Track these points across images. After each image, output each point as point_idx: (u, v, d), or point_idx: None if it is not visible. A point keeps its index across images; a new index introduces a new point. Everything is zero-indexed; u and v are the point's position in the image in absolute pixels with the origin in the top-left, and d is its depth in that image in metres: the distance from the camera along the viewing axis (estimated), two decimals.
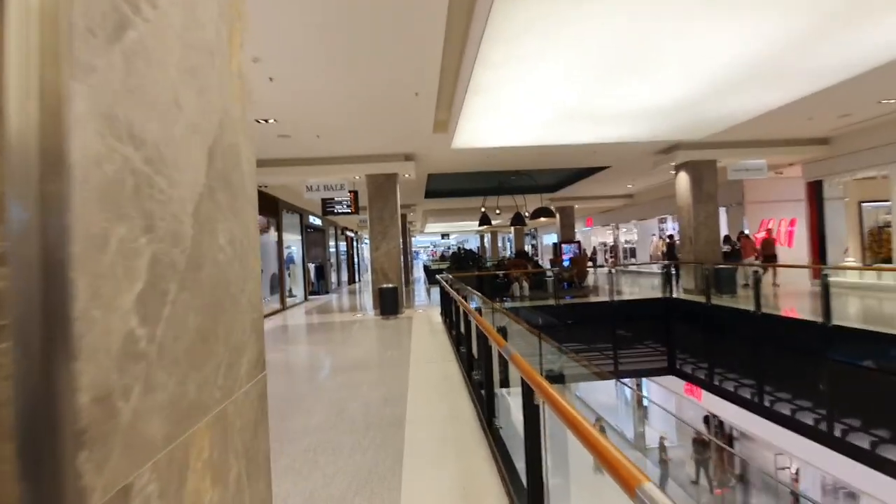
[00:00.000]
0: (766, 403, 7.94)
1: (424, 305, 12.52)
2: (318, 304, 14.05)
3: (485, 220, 16.74)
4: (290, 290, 14.13)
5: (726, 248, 13.96)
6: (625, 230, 24.73)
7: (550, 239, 42.32)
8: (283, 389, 4.79)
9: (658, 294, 10.96)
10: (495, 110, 7.36)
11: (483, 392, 3.57)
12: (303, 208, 14.88)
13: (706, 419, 11.08)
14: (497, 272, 12.34)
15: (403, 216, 17.52)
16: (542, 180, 16.44)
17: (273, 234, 12.37)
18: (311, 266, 17.18)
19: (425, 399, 4.26)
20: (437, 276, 10.03)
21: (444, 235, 46.60)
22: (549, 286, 13.85)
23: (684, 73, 6.33)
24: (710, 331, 9.82)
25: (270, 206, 11.98)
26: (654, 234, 20.91)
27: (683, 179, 11.10)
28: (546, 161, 11.79)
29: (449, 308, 8.06)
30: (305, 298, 14.93)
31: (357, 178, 10.50)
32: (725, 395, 9.19)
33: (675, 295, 10.49)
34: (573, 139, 8.55)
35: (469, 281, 9.81)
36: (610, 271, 10.71)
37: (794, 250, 13.93)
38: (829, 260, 11.55)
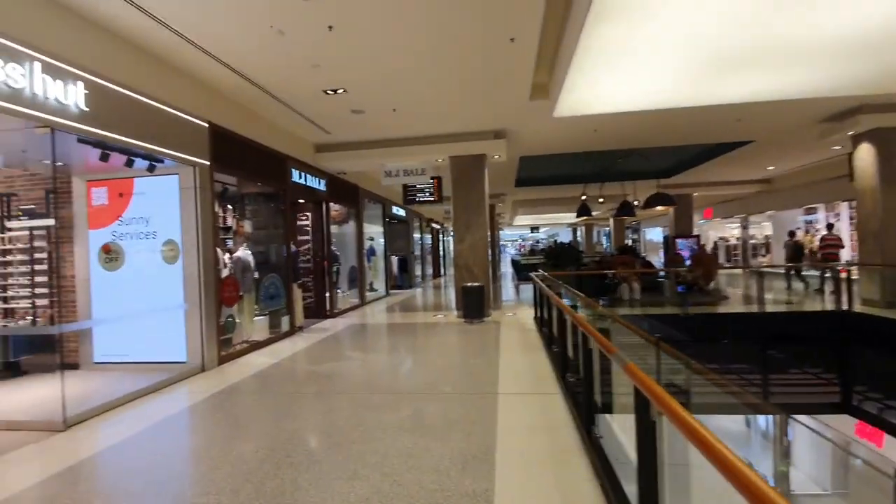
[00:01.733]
0: None
1: (513, 305, 11.05)
2: (399, 299, 13.22)
3: (584, 211, 14.75)
4: (371, 285, 13.47)
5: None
6: (756, 223, 20.82)
7: (654, 233, 38.23)
8: (323, 422, 3.68)
9: (823, 306, 8.37)
10: (612, 63, 5.59)
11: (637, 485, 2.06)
12: (385, 198, 14.14)
13: None
14: (605, 271, 10.41)
15: (491, 206, 16.12)
16: (655, 163, 13.99)
17: (352, 224, 11.69)
18: (394, 259, 16.51)
19: (522, 465, 2.85)
20: (532, 275, 8.50)
21: (534, 228, 44.29)
22: (664, 289, 11.59)
23: None
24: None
25: (350, 195, 11.28)
26: (798, 229, 17.15)
27: (866, 154, 8.27)
28: (667, 136, 9.59)
29: (546, 314, 6.52)
30: (387, 293, 14.23)
31: (440, 160, 9.29)
32: None
33: (853, 308, 7.82)
34: (715, 98, 6.45)
35: (568, 280, 8.15)
36: (759, 272, 8.33)
37: None
38: None
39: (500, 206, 19.77)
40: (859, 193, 8.51)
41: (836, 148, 11.65)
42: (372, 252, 13.81)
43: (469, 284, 8.43)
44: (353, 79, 5.97)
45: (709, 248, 20.76)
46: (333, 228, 11.10)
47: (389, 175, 9.41)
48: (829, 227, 14.14)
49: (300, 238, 9.67)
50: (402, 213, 16.25)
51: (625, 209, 13.28)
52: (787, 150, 11.55)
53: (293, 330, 7.88)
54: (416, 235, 19.26)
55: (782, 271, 13.39)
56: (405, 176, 9.39)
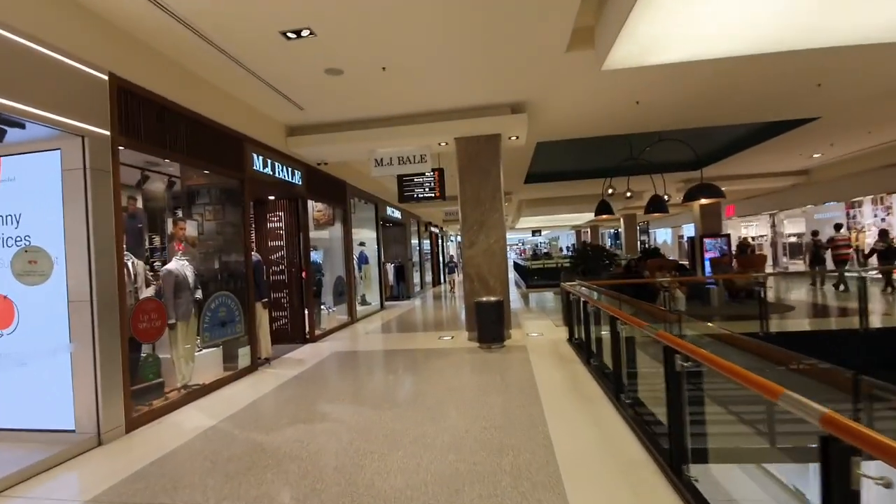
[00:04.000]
0: None
1: (532, 318, 9.19)
2: (396, 314, 11.33)
3: (605, 209, 12.91)
4: (363, 297, 11.60)
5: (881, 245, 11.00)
6: (788, 221, 19.09)
7: (664, 235, 36.51)
8: None
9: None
10: None
11: None
12: (378, 197, 12.31)
13: None
14: (656, 279, 8.56)
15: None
16: (684, 153, 12.19)
17: (339, 227, 9.83)
18: (390, 267, 14.67)
19: None
20: (566, 286, 6.63)
21: (536, 232, 42.55)
22: (712, 298, 9.77)
23: None
24: None
25: (335, 192, 9.44)
26: (839, 224, 15.37)
27: None
28: (720, 110, 7.80)
29: (591, 338, 4.68)
30: (382, 306, 12.35)
31: (443, 144, 7.46)
32: None
33: None
34: (820, 34, 4.63)
35: (608, 289, 6.30)
36: (860, 277, 6.47)
37: None
38: None
39: (506, 207, 17.95)
40: None
41: None
42: (363, 259, 11.95)
43: (484, 300, 6.56)
44: (321, 12, 4.14)
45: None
46: (315, 232, 9.24)
47: (380, 164, 7.57)
48: (838, 227, 13.19)
49: (271, 244, 7.80)
50: (397, 215, 14.42)
51: (656, 205, 11.44)
52: (852, 130, 9.77)
53: (256, 365, 6.00)
54: (414, 241, 17.43)
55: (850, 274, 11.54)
56: (400, 164, 7.54)
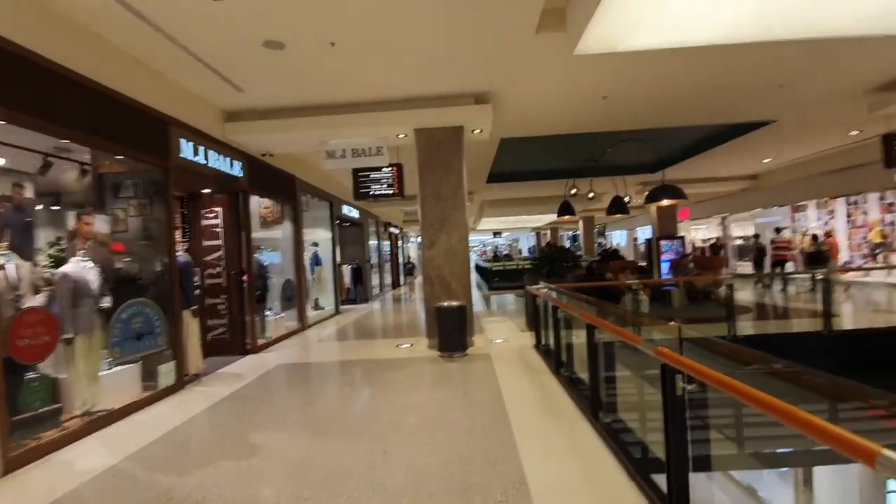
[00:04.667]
0: None
1: (495, 322, 8.77)
2: (352, 318, 10.62)
3: (567, 209, 12.75)
4: (316, 302, 10.81)
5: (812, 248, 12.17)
6: (735, 224, 19.82)
7: (619, 237, 37.42)
8: None
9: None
10: None
11: None
12: (333, 194, 11.54)
13: None
14: (621, 281, 8.31)
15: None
16: (642, 156, 12.23)
17: (289, 226, 9.04)
18: (346, 268, 13.90)
19: None
20: (531, 288, 6.22)
21: (497, 233, 42.61)
22: (673, 300, 9.71)
23: None
24: None
25: (283, 188, 8.65)
26: (785, 228, 16.03)
27: None
28: (686, 109, 7.67)
29: (561, 345, 4.27)
30: (337, 310, 11.58)
31: (402, 136, 6.88)
32: None
33: None
34: (797, 25, 4.43)
35: (575, 292, 5.96)
36: (824, 279, 6.44)
37: None
38: None
39: (468, 207, 17.57)
40: None
41: (854, 133, 10.29)
42: (317, 261, 11.16)
43: (445, 304, 6.04)
44: None
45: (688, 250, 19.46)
46: (262, 231, 8.43)
47: (332, 156, 6.90)
48: (778, 230, 14.22)
49: (207, 244, 6.94)
50: (355, 214, 13.67)
51: (617, 206, 11.35)
52: (806, 134, 10.01)
53: (182, 383, 5.19)
54: (373, 241, 16.71)
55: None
56: (354, 157, 6.90)
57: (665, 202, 9.61)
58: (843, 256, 14.02)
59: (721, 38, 4.46)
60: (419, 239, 6.78)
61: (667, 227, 16.58)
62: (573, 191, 10.73)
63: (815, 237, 12.96)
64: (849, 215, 14.08)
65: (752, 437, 3.88)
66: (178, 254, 5.35)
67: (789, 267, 13.43)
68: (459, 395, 4.36)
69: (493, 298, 15.00)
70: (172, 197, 5.29)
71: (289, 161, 8.63)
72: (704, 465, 3.16)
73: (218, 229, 6.94)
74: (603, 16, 3.98)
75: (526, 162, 12.71)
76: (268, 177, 7.92)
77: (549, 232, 36.15)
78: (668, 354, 2.01)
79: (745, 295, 12.37)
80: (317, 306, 10.78)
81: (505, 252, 42.35)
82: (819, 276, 11.31)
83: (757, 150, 11.62)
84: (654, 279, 8.94)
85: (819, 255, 11.94)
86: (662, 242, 16.23)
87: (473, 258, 39.72)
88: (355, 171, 7.80)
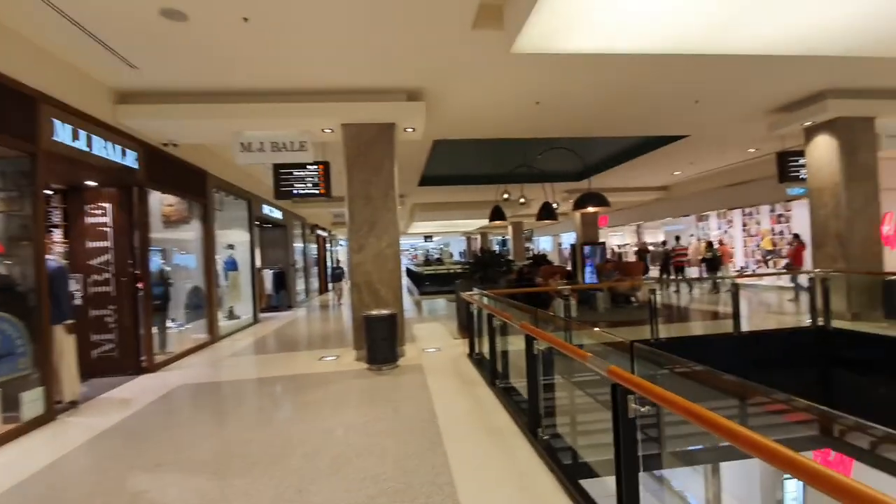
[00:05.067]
0: None
1: (426, 329, 8.46)
2: (273, 328, 9.79)
3: (498, 214, 12.82)
4: (231, 310, 9.83)
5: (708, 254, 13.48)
6: (651, 231, 21.30)
7: (545, 242, 38.94)
8: None
9: (791, 320, 7.30)
10: None
11: None
12: (252, 193, 10.62)
13: None
14: (552, 286, 8.35)
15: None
16: (568, 164, 12.68)
17: (198, 226, 8.09)
18: (268, 273, 12.89)
19: None
20: (467, 295, 5.99)
21: (428, 237, 42.51)
22: (598, 304, 10.03)
23: None
24: (880, 377, 6.25)
25: (191, 183, 7.72)
26: (692, 235, 17.47)
27: (824, 147, 7.41)
28: (614, 120, 7.92)
29: (496, 354, 4.07)
30: (255, 319, 10.63)
31: (328, 130, 6.37)
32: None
33: (829, 323, 6.73)
34: (727, 40, 4.61)
35: (509, 298, 5.83)
36: (733, 284, 6.86)
37: None
38: None
39: (400, 210, 17.16)
40: (814, 192, 7.63)
41: (752, 150, 11.36)
42: (232, 265, 10.18)
43: (375, 313, 5.62)
44: None
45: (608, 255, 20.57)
46: (165, 232, 7.44)
47: (248, 149, 6.21)
48: (678, 238, 15.78)
49: (91, 245, 5.93)
50: (277, 214, 12.74)
51: (546, 212, 11.59)
52: (713, 149, 10.85)
53: (54, 412, 4.29)
54: (299, 244, 15.74)
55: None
56: (274, 152, 6.28)
57: (591, 209, 9.92)
58: (738, 262, 15.54)
59: (651, 48, 4.53)
60: (349, 242, 6.31)
61: (589, 234, 17.35)
62: (505, 195, 10.77)
63: (710, 244, 14.24)
64: (744, 225, 15.59)
65: (672, 437, 3.97)
66: (48, 258, 4.44)
67: (693, 272, 14.65)
68: (389, 414, 3.97)
69: (425, 303, 14.73)
70: (42, 189, 4.38)
71: (199, 153, 7.71)
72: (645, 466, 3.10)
73: (106, 228, 5.95)
74: (541, 15, 3.85)
75: (459, 166, 12.61)
76: (172, 170, 7.00)
77: (479, 236, 36.72)
78: (621, 374, 1.81)
79: (657, 298, 13.20)
80: (231, 315, 9.81)
81: (436, 256, 42.38)
82: (720, 280, 12.55)
83: (670, 163, 12.47)
84: (585, 284, 9.20)
85: (714, 261, 13.45)
86: (586, 248, 16.97)
87: (405, 262, 39.20)
88: (276, 168, 7.11)
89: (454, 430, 3.53)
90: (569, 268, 16.22)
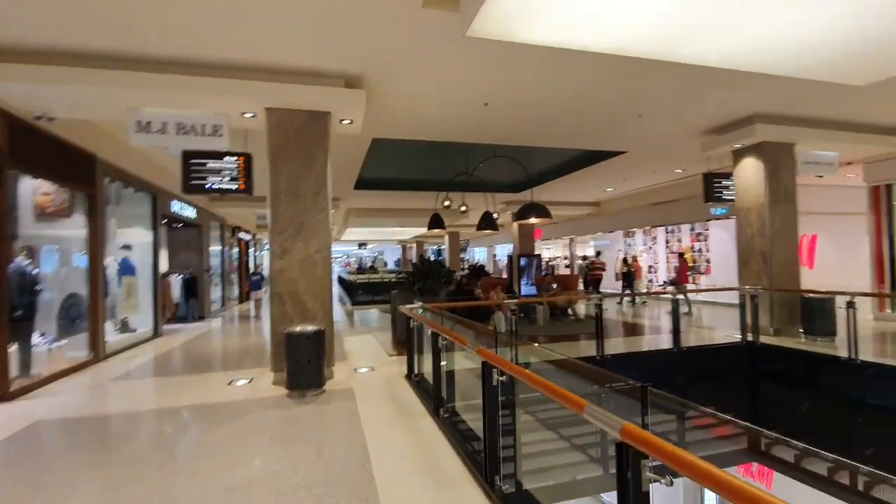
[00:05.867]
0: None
1: (358, 343, 7.68)
2: (177, 343, 8.46)
3: (437, 222, 12.37)
4: (124, 322, 8.38)
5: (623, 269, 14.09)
6: (581, 246, 21.98)
7: (480, 253, 39.20)
8: None
9: (726, 337, 7.46)
10: None
11: None
12: (158, 186, 9.24)
13: None
14: (503, 301, 7.90)
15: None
16: (507, 175, 12.60)
17: (80, 220, 6.74)
18: (176, 279, 11.35)
19: None
20: (406, 309, 5.34)
21: (362, 244, 41.22)
22: (538, 318, 9.84)
23: None
24: (802, 390, 6.56)
25: (74, 168, 6.41)
26: (619, 250, 18.18)
27: (751, 170, 7.75)
28: (560, 129, 7.76)
29: (438, 380, 3.53)
30: (156, 332, 9.19)
31: (249, 115, 5.49)
32: (818, 481, 5.94)
33: (757, 338, 6.93)
34: (688, 49, 4.47)
35: (452, 313, 5.31)
36: (674, 300, 6.84)
37: (816, 273, 11.55)
38: None
39: (333, 215, 16.12)
40: (741, 212, 7.95)
41: (679, 171, 11.90)
42: (127, 269, 8.73)
43: (299, 330, 4.81)
44: None
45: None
46: (37, 227, 6.09)
47: (146, 129, 5.16)
48: (597, 253, 16.58)
49: None
50: (190, 212, 11.29)
51: (487, 221, 11.32)
52: (646, 168, 11.19)
53: None
54: (216, 247, 14.18)
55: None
56: (180, 135, 5.28)
57: (534, 220, 9.77)
58: (661, 277, 16.35)
59: (614, 47, 4.24)
60: (270, 246, 5.45)
61: (526, 246, 17.44)
62: (446, 203, 10.32)
63: (625, 260, 14.86)
64: (667, 242, 16.45)
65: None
66: None
67: (618, 286, 15.19)
68: (310, 457, 3.23)
69: (358, 313, 13.83)
70: None
71: (86, 133, 6.43)
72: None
73: None
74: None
75: (398, 169, 11.99)
76: (48, 151, 5.71)
77: (415, 245, 36.15)
78: (638, 435, 1.32)
79: (586, 309, 13.40)
80: (125, 328, 8.36)
81: (370, 264, 41.17)
82: (638, 296, 12.94)
83: (605, 179, 12.77)
84: (528, 297, 8.97)
85: (628, 275, 14.13)
86: (522, 259, 17.02)
87: (337, 270, 37.48)
88: (186, 157, 6.05)
89: (392, 478, 2.88)
90: (504, 278, 16.13)
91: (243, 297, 17.57)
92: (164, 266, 11.18)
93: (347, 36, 4.42)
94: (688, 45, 4.16)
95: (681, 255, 13.66)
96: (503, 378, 2.56)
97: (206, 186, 6.27)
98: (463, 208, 10.92)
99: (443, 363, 3.91)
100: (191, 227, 12.06)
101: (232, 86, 4.92)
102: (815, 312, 7.01)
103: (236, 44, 4.52)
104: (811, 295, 7.08)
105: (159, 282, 9.59)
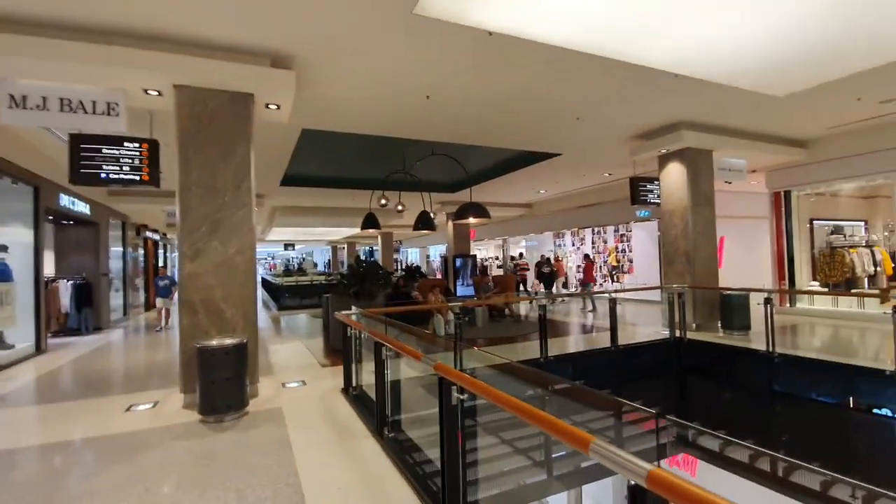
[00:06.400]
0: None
1: (285, 354, 7.00)
2: (67, 360, 7.21)
3: (372, 222, 11.82)
4: None
5: (546, 269, 14.27)
6: (513, 246, 22.38)
7: (413, 254, 38.79)
8: None
9: (654, 333, 7.75)
10: None
11: None
12: (41, 176, 7.85)
13: None
14: (445, 304, 7.55)
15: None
16: (441, 175, 12.43)
17: None
18: (66, 285, 9.80)
19: None
20: (342, 315, 4.83)
21: (289, 245, 39.07)
22: (477, 320, 9.69)
23: None
24: (725, 383, 7.00)
25: None
26: (550, 251, 18.71)
27: (676, 174, 8.15)
28: (502, 128, 7.64)
29: (382, 395, 3.17)
30: (39, 347, 7.79)
31: (154, 93, 4.69)
32: (740, 469, 6.41)
33: (685, 334, 7.26)
34: (634, 47, 4.41)
35: (393, 318, 4.91)
36: (611, 299, 6.94)
37: (725, 271, 12.56)
38: (798, 285, 9.98)
39: (257, 213, 14.91)
40: (666, 214, 8.34)
41: (607, 175, 12.38)
42: (2, 274, 7.30)
43: (215, 344, 4.14)
44: None
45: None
46: None
47: (21, 104, 4.21)
48: (521, 255, 17.38)
49: None
50: (83, 208, 9.80)
51: (424, 221, 10.99)
52: (578, 171, 11.49)
53: None
54: (117, 249, 12.50)
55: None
56: (64, 112, 4.38)
57: (472, 220, 9.59)
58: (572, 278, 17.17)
59: (564, 40, 4.11)
60: (179, 246, 4.70)
61: (462, 246, 17.36)
62: (383, 202, 9.85)
63: (548, 260, 15.30)
64: (593, 243, 17.19)
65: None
66: None
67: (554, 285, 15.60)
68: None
69: (284, 318, 12.88)
70: None
71: None
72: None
73: None
74: None
75: (330, 165, 11.30)
76: None
77: (346, 246, 34.95)
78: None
79: (525, 309, 13.59)
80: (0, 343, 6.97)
81: (298, 266, 39.15)
82: (609, 296, 13.37)
83: (539, 181, 12.98)
84: (473, 301, 8.80)
85: (550, 275, 14.51)
86: (457, 260, 16.93)
87: (261, 272, 35.10)
88: (75, 140, 5.08)
89: None
90: (442, 280, 15.93)
91: (150, 305, 15.73)
92: (49, 270, 9.62)
93: (277, 7, 3.88)
94: (632, 42, 4.13)
95: (586, 256, 14.37)
96: (464, 397, 2.24)
97: (101, 176, 5.34)
98: (399, 208, 10.51)
99: (387, 375, 3.51)
100: (85, 224, 10.50)
101: (131, 56, 4.14)
102: (733, 308, 7.49)
103: (138, 5, 3.79)
104: (729, 292, 7.55)
105: (42, 288, 8.16)
